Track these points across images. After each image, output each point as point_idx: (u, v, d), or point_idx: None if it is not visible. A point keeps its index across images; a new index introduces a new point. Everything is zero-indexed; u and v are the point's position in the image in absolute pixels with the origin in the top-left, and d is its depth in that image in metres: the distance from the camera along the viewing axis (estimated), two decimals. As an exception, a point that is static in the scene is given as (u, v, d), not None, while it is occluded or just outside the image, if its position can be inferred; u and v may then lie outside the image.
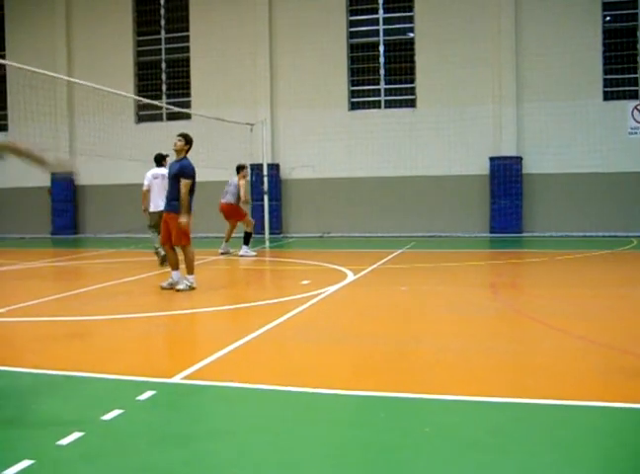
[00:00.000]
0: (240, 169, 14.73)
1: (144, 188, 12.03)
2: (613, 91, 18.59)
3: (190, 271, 9.39)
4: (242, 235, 14.55)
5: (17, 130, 16.50)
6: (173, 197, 9.28)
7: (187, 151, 9.53)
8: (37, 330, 7.05)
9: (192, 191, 9.28)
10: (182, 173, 9.19)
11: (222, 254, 14.55)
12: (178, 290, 9.18)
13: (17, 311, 7.90)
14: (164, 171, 11.52)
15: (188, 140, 9.56)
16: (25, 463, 3.31)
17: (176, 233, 9.22)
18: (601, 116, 18.34)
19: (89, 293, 9.40)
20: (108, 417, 4.00)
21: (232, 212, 14.76)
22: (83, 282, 10.59)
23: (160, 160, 12.09)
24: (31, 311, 8.01)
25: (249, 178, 15.60)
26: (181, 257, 9.48)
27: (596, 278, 10.48)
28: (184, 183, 9.12)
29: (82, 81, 15.02)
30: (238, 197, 14.46)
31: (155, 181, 11.88)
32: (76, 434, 3.69)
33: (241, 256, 14.16)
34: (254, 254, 14.44)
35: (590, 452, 3.48)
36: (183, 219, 9.07)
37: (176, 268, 9.45)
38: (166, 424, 4.00)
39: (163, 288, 9.37)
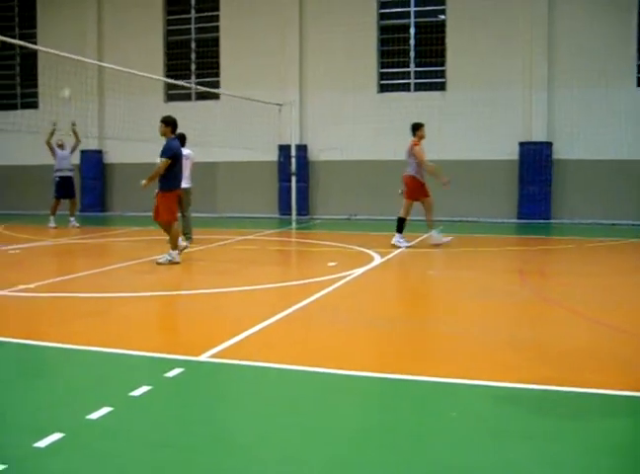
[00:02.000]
0: (415, 129, 12.51)
1: None
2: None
3: (173, 246, 9.91)
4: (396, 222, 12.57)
5: (47, 109, 16.57)
6: (161, 176, 9.85)
7: (172, 132, 10.08)
8: (65, 305, 7.13)
9: (172, 168, 9.82)
10: (161, 152, 9.87)
11: (436, 245, 12.25)
12: (158, 263, 9.77)
13: (45, 287, 7.99)
14: (187, 151, 11.75)
15: (168, 123, 10.13)
16: (56, 436, 3.35)
17: (159, 209, 9.89)
18: (634, 102, 18.04)
19: (116, 271, 9.48)
20: (136, 393, 4.03)
21: (414, 189, 12.35)
22: (110, 260, 10.67)
23: (183, 140, 12.07)
24: (59, 287, 8.10)
25: (421, 144, 12.51)
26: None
27: (626, 267, 10.35)
28: (161, 160, 9.79)
29: (111, 64, 15.14)
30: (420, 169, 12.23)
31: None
32: (105, 409, 3.73)
33: (393, 244, 12.05)
34: (406, 244, 12.14)
35: (614, 440, 3.45)
36: (142, 181, 9.81)
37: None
38: (193, 401, 4.03)
39: (159, 264, 9.81)
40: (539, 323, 6.46)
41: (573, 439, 3.43)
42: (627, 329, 5.85)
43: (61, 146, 16.81)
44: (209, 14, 21.65)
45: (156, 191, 10.07)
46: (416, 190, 12.32)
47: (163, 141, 10.07)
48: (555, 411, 3.84)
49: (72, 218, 16.80)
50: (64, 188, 16.82)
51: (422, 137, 12.41)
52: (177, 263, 9.82)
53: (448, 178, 12.51)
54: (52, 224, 16.40)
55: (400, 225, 12.31)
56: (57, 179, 16.77)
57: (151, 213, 10.26)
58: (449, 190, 15.07)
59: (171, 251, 9.90)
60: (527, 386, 4.23)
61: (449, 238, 12.40)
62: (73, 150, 17.01)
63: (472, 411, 3.83)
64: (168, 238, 10.10)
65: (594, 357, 4.93)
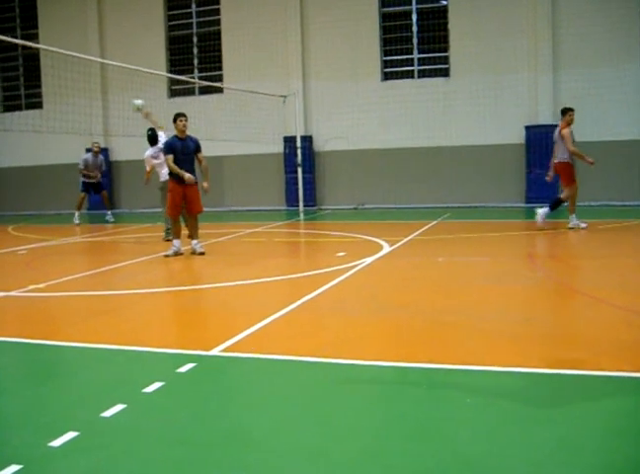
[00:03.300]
0: (564, 113, 12.44)
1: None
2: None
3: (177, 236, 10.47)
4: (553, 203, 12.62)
5: (51, 108, 16.58)
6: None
7: (176, 128, 10.37)
8: (75, 304, 7.13)
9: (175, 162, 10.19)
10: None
11: (571, 228, 12.31)
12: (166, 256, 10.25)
13: (56, 286, 7.99)
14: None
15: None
16: (70, 434, 3.34)
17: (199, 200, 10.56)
18: (640, 82, 17.92)
19: (125, 268, 9.49)
20: (149, 389, 4.02)
21: (571, 174, 12.47)
22: (119, 257, 10.68)
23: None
24: (69, 286, 8.11)
25: (570, 128, 12.38)
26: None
27: (638, 248, 10.28)
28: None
29: (113, 61, 15.17)
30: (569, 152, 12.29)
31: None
32: (119, 407, 3.72)
33: (569, 228, 12.27)
34: (584, 226, 12.24)
35: (632, 424, 3.42)
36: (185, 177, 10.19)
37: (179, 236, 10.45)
38: (206, 396, 4.01)
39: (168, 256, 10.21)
40: (552, 306, 6.42)
41: (592, 423, 3.39)
42: (639, 310, 5.81)
43: (97, 153, 17.26)
44: (210, 7, 21.59)
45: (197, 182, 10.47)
46: (572, 174, 12.49)
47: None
48: (574, 395, 3.81)
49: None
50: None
51: (569, 122, 12.35)
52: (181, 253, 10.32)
53: (593, 158, 12.66)
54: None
55: (557, 204, 12.56)
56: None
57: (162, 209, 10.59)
58: (449, 176, 14.84)
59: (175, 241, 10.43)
60: (543, 370, 4.20)
61: (586, 224, 12.38)
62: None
63: (487, 396, 3.80)
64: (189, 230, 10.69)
65: (611, 340, 4.88)
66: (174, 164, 10.08)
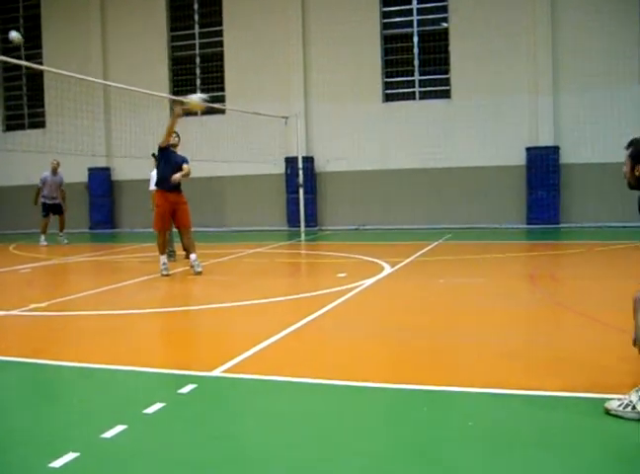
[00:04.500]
0: None
1: None
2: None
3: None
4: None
5: (54, 128, 16.66)
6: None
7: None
8: (76, 323, 7.13)
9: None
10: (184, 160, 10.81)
11: None
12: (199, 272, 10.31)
13: (58, 305, 7.99)
14: None
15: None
16: (70, 456, 3.33)
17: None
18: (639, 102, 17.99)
19: (127, 287, 9.48)
20: (150, 410, 4.01)
21: None
22: (121, 276, 10.68)
23: None
24: (71, 305, 8.11)
25: None
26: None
27: (636, 270, 10.27)
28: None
29: (116, 82, 15.19)
30: None
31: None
32: (120, 427, 3.71)
33: None
34: None
35: (634, 449, 3.41)
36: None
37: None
38: (208, 417, 4.00)
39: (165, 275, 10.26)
40: (553, 328, 6.42)
41: (596, 448, 3.38)
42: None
43: (55, 169, 16.92)
44: (213, 29, 21.76)
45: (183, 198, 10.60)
46: None
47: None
48: (577, 418, 3.79)
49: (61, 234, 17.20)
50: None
51: None
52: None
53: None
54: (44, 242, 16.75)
55: None
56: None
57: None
58: (450, 197, 14.58)
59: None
60: (546, 393, 4.19)
61: None
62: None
63: (489, 420, 3.79)
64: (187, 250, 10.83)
65: (612, 362, 4.88)
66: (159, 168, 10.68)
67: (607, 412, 3.77)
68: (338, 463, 3.27)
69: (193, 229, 10.83)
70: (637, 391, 3.75)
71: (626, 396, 3.78)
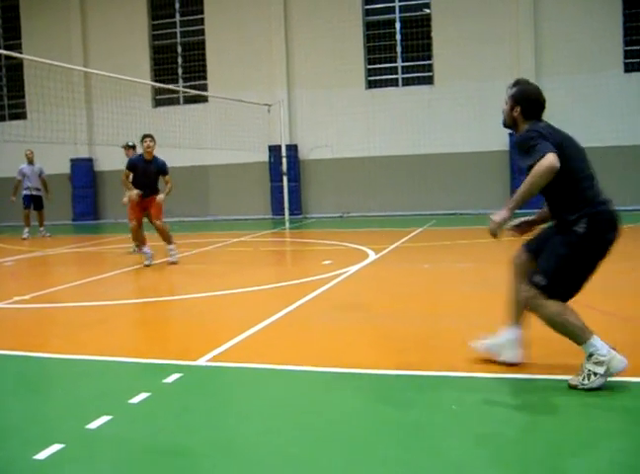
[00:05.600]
0: None
1: None
2: (634, 62, 18.28)
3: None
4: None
5: (35, 118, 16.49)
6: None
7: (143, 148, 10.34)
8: (60, 316, 7.09)
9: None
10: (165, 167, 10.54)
11: None
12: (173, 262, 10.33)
13: (40, 297, 7.94)
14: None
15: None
16: (55, 447, 3.31)
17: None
18: (623, 88, 18.06)
19: (110, 278, 9.44)
20: (135, 400, 4.00)
21: None
22: (103, 268, 10.63)
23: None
24: (54, 297, 8.06)
25: None
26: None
27: (624, 253, 10.32)
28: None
29: (98, 70, 15.09)
30: None
31: None
32: (105, 418, 3.69)
33: None
34: None
35: (618, 431, 3.43)
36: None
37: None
38: (193, 406, 3.99)
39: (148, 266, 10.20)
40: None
41: (582, 429, 3.41)
42: (627, 316, 5.84)
43: (31, 159, 16.61)
44: (194, 17, 21.61)
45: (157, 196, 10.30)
46: None
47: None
48: (561, 400, 3.82)
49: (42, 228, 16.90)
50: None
51: None
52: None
53: None
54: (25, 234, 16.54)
55: None
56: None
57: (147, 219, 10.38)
58: (434, 183, 14.48)
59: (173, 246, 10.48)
60: (530, 376, 4.22)
61: None
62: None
63: (472, 403, 3.80)
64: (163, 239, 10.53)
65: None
66: (130, 182, 10.24)
67: (574, 387, 3.86)
68: (323, 449, 3.27)
69: (176, 219, 10.77)
70: (587, 359, 3.88)
71: (582, 370, 3.89)
